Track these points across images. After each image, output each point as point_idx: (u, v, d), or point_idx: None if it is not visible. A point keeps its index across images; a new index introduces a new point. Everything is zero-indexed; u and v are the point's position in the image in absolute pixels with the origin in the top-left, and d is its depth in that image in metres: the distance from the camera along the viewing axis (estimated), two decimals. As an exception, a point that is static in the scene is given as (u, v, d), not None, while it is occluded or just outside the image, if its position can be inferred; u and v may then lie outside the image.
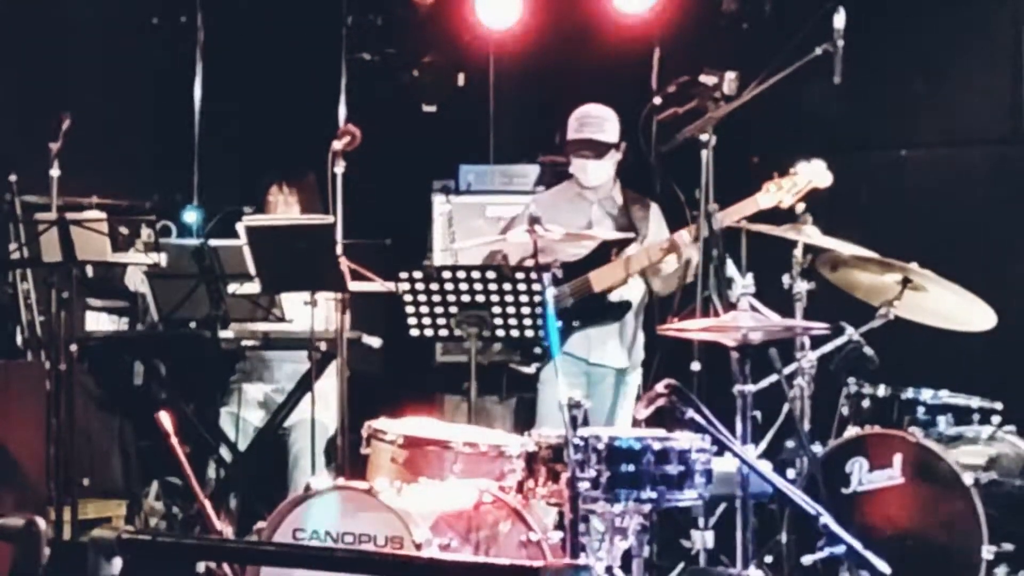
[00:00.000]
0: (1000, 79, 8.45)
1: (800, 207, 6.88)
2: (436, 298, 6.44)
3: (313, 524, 5.36)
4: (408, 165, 9.15)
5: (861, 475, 6.59)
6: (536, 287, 6.27)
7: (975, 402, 6.87)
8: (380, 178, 8.46)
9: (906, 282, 6.85)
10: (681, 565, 6.50)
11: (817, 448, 6.68)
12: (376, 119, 8.16)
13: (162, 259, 7.12)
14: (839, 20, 6.61)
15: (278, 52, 9.41)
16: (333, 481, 5.63)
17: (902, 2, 8.46)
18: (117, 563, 3.39)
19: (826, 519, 5.23)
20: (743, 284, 5.98)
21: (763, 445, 6.64)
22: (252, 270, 6.80)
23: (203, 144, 9.68)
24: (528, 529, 5.54)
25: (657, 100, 7.12)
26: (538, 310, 6.33)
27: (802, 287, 6.79)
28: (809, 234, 6.77)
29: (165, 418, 5.58)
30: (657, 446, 5.43)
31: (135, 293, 7.85)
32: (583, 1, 8.86)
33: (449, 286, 6.42)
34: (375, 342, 7.23)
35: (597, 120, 7.45)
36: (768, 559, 6.57)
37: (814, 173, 6.98)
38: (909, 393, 6.80)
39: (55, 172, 7.29)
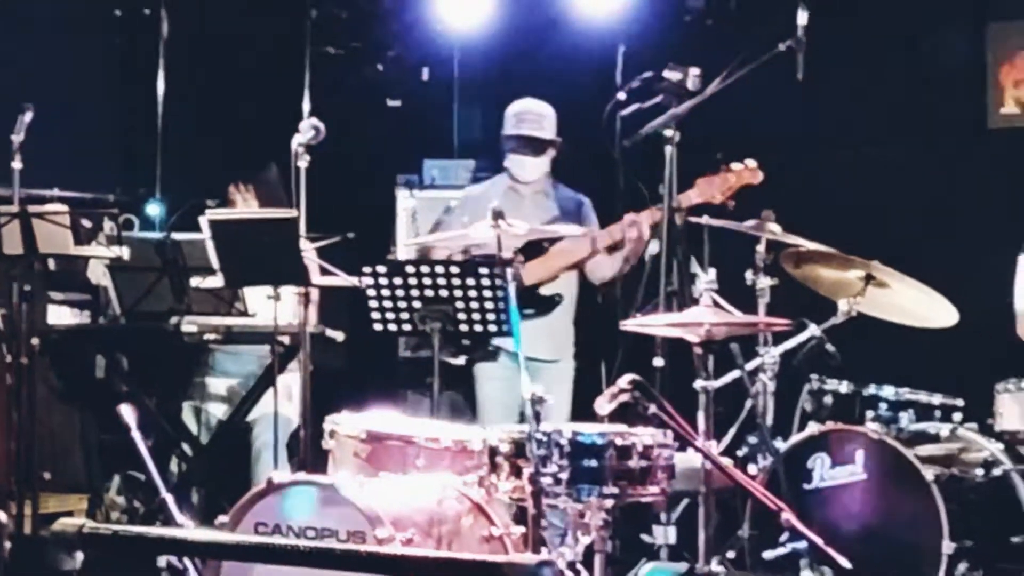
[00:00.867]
0: (962, 75, 8.48)
1: (730, 204, 6.96)
2: (400, 292, 6.43)
3: (275, 519, 5.34)
4: (372, 159, 9.14)
5: (823, 471, 6.60)
6: (499, 281, 6.27)
7: (937, 399, 6.90)
8: (344, 172, 8.45)
9: (869, 278, 6.86)
10: (643, 560, 6.51)
11: (779, 444, 6.69)
12: (340, 113, 8.14)
13: (125, 252, 7.10)
14: (802, 17, 6.63)
15: (242, 45, 9.38)
16: (295, 475, 5.62)
17: (864, -1, 8.50)
18: (79, 557, 3.38)
19: (788, 515, 5.25)
20: (706, 280, 5.99)
21: (726, 441, 6.66)
22: (215, 264, 6.77)
23: (166, 137, 9.65)
24: (491, 524, 5.53)
25: (621, 95, 7.11)
26: (501, 304, 6.33)
27: (765, 283, 6.78)
28: (772, 230, 6.79)
29: (127, 411, 5.55)
30: (620, 442, 5.44)
31: (97, 286, 7.82)
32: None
33: (413, 280, 6.41)
34: (338, 336, 7.22)
35: (536, 117, 7.46)
36: (730, 554, 6.57)
37: (745, 171, 7.07)
38: (871, 389, 6.82)
39: (17, 165, 7.23)
